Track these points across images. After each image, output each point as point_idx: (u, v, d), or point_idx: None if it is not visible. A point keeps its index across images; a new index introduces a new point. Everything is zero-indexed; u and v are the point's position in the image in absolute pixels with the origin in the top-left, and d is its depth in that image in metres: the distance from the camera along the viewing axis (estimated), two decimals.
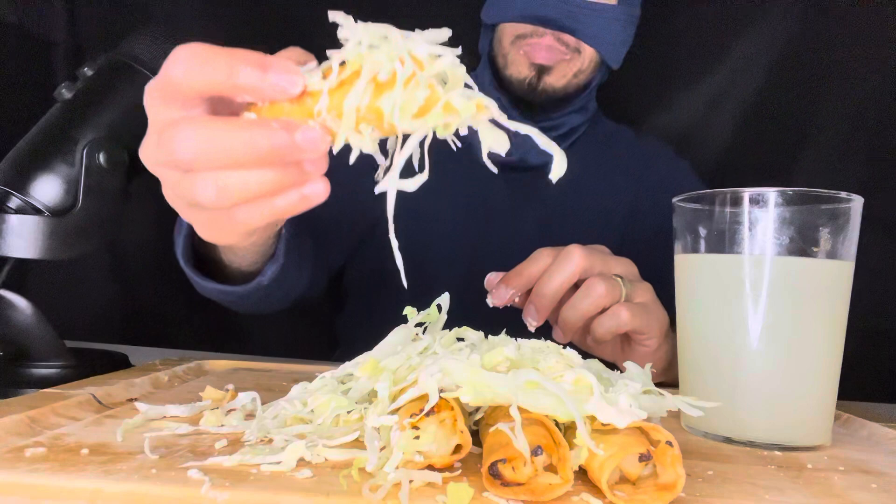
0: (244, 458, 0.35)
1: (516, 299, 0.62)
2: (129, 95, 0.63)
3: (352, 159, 0.36)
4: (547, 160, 0.81)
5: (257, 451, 0.36)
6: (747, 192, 0.45)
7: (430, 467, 0.34)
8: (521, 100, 0.92)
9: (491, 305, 0.62)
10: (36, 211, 0.59)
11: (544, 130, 0.96)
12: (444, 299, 0.46)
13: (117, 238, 0.65)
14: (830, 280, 0.46)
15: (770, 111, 1.15)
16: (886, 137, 1.11)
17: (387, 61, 0.32)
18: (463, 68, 0.33)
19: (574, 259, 0.61)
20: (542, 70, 0.90)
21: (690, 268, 0.50)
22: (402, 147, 0.34)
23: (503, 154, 0.36)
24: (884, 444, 0.48)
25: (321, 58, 0.36)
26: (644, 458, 0.32)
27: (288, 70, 0.35)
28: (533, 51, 0.89)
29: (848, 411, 0.55)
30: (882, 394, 0.77)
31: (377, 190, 0.35)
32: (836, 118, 1.13)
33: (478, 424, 0.39)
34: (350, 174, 0.46)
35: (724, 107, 1.18)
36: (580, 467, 0.34)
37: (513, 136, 0.36)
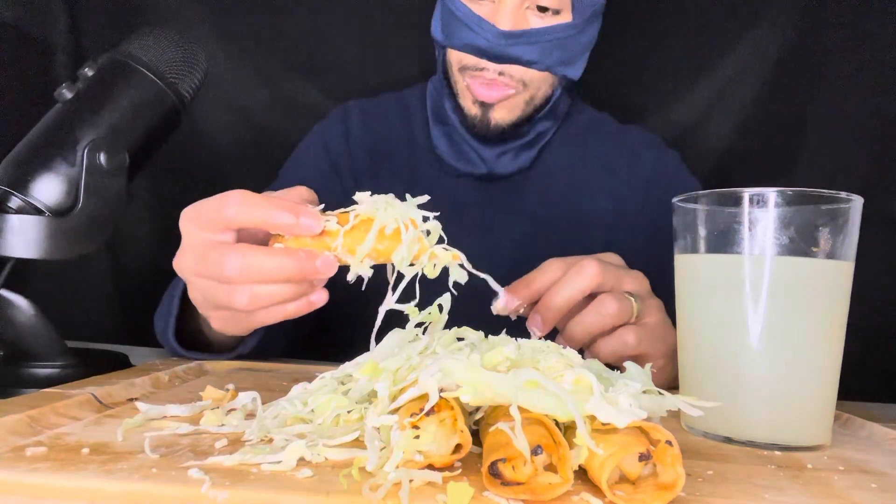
0: (244, 457, 0.35)
1: (521, 310, 0.61)
2: (130, 95, 0.63)
3: (351, 279, 0.49)
4: (518, 167, 0.91)
5: (257, 450, 0.36)
6: (747, 192, 0.45)
7: (431, 467, 0.34)
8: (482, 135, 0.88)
9: (495, 313, 0.61)
10: (37, 211, 0.59)
11: (508, 140, 0.91)
12: (446, 299, 0.46)
13: (117, 238, 0.66)
14: (830, 280, 0.46)
15: (770, 111, 1.15)
16: (886, 137, 1.11)
17: (392, 222, 0.47)
18: (440, 226, 0.49)
19: (588, 274, 0.59)
20: (486, 106, 0.85)
21: (690, 268, 0.50)
22: (394, 280, 0.49)
23: (462, 282, 0.49)
24: (884, 444, 0.48)
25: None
26: (644, 457, 0.32)
27: (314, 216, 0.48)
28: (475, 86, 0.84)
29: (848, 411, 0.55)
30: (882, 394, 0.77)
31: (382, 309, 0.48)
32: (837, 118, 1.13)
33: (478, 424, 0.39)
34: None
35: (723, 106, 1.18)
36: (580, 467, 0.34)
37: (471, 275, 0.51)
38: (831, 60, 1.12)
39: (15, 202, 0.59)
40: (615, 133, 1.02)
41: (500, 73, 0.83)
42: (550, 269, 0.61)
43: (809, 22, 1.13)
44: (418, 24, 0.87)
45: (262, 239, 0.52)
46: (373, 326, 0.47)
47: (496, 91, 0.84)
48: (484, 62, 0.83)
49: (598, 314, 0.60)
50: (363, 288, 0.49)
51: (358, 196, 0.50)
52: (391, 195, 0.49)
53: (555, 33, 0.82)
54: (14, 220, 0.58)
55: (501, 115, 0.86)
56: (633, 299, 0.61)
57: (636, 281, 0.63)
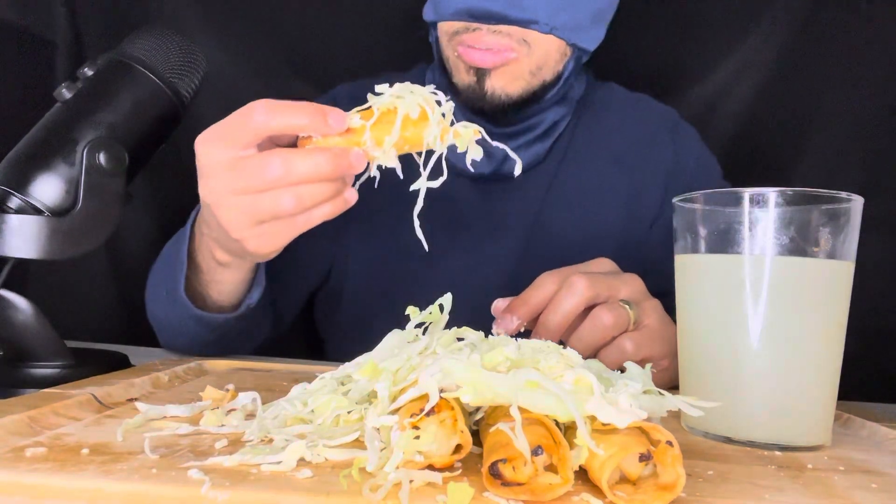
0: (244, 457, 0.35)
1: (521, 329, 0.62)
2: (129, 95, 0.63)
3: (374, 171, 0.53)
4: (528, 162, 0.83)
5: (257, 450, 0.36)
6: (747, 192, 0.45)
7: (431, 467, 0.34)
8: (479, 109, 0.78)
9: (496, 335, 0.61)
10: (36, 211, 0.59)
11: (519, 134, 0.85)
12: (447, 299, 0.46)
13: (117, 238, 0.66)
14: (830, 280, 0.46)
15: (770, 111, 1.15)
16: (887, 137, 1.10)
17: (415, 106, 0.50)
18: (453, 106, 0.51)
19: (578, 290, 0.59)
20: (481, 73, 0.75)
21: (690, 268, 0.50)
22: (424, 161, 0.52)
23: (478, 159, 0.51)
24: (884, 445, 0.48)
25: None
26: (644, 457, 0.32)
27: (339, 113, 0.50)
28: (467, 52, 0.75)
29: (848, 411, 0.55)
30: (882, 394, 0.77)
31: (413, 188, 0.51)
32: (837, 118, 1.12)
33: (478, 424, 0.39)
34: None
35: (723, 106, 1.18)
36: (580, 467, 0.34)
37: (490, 149, 0.57)
38: (832, 60, 1.12)
39: (14, 202, 0.58)
40: (628, 113, 0.92)
41: (495, 33, 0.73)
42: (545, 286, 0.61)
43: (810, 21, 1.12)
44: (423, 22, 0.87)
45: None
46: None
47: (491, 55, 0.74)
48: (476, 24, 0.73)
49: (594, 329, 0.59)
50: (375, 186, 0.52)
51: (378, 88, 0.52)
52: (408, 83, 0.51)
53: None
54: (13, 220, 0.58)
55: (500, 84, 0.76)
56: (628, 307, 0.61)
57: (630, 286, 0.63)
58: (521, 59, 0.75)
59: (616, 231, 0.88)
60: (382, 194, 0.58)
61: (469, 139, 0.51)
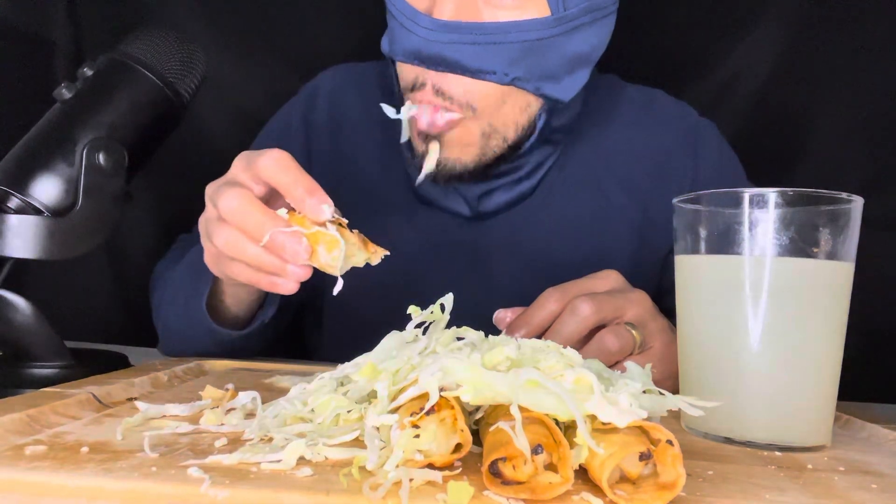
0: (244, 456, 0.35)
1: None
2: (129, 95, 0.63)
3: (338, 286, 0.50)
4: (512, 198, 0.83)
5: (257, 449, 0.36)
6: (747, 193, 0.45)
7: (431, 466, 0.34)
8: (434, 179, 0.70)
9: None
10: (36, 211, 0.59)
11: (500, 176, 0.78)
12: (448, 299, 0.46)
13: (117, 238, 0.66)
14: (831, 281, 0.46)
15: (770, 111, 1.15)
16: (887, 137, 1.10)
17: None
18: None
19: (582, 315, 0.57)
20: (431, 139, 0.68)
21: (690, 268, 0.50)
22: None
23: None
24: (884, 446, 0.48)
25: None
26: (644, 457, 0.32)
27: (320, 203, 0.48)
28: (416, 114, 0.66)
29: (848, 412, 0.55)
30: (882, 394, 0.77)
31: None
32: (838, 118, 1.12)
33: (478, 423, 0.39)
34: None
35: (723, 107, 1.17)
36: (580, 466, 0.34)
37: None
38: (832, 60, 1.12)
39: (14, 202, 0.58)
40: (637, 128, 0.83)
41: (437, 93, 0.64)
42: (548, 305, 0.59)
43: (810, 21, 1.12)
44: None
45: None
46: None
47: (432, 117, 0.65)
48: (422, 74, 0.65)
49: (598, 353, 0.57)
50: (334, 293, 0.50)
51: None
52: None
53: (520, 31, 0.62)
54: (13, 220, 0.58)
55: (454, 154, 0.68)
56: (634, 331, 0.60)
57: (637, 306, 0.61)
58: (470, 123, 0.67)
59: (626, 259, 0.81)
60: (360, 217, 0.58)
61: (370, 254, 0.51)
